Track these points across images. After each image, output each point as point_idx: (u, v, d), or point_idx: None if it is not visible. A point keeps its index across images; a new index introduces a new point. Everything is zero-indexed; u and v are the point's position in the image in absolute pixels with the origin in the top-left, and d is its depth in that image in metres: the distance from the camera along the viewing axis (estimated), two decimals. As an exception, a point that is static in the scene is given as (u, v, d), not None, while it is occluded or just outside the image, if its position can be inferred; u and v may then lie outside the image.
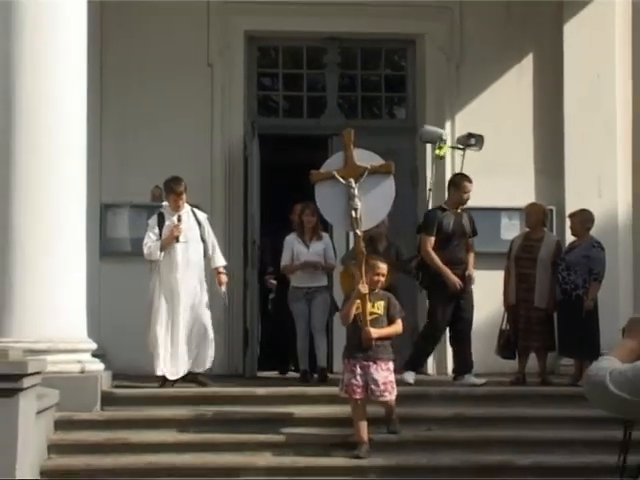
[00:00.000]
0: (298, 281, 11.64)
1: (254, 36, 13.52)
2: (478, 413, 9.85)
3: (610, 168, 12.77)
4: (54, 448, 9.01)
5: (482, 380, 10.86)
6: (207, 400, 10.15)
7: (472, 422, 9.69)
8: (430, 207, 12.01)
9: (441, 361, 13.13)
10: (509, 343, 11.25)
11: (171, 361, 10.36)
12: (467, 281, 11.02)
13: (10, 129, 9.48)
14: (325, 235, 11.68)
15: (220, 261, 10.80)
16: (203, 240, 10.64)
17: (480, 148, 12.56)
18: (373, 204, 9.30)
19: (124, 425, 9.51)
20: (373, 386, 8.81)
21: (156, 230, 10.40)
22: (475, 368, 11.19)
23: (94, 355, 10.00)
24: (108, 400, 9.87)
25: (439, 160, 12.56)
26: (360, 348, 8.90)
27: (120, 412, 9.74)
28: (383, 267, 9.23)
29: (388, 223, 11.10)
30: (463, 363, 11.17)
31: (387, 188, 9.49)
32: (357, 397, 8.84)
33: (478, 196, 12.69)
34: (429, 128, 12.66)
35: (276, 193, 13.32)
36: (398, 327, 9.21)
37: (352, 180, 9.17)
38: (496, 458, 9.16)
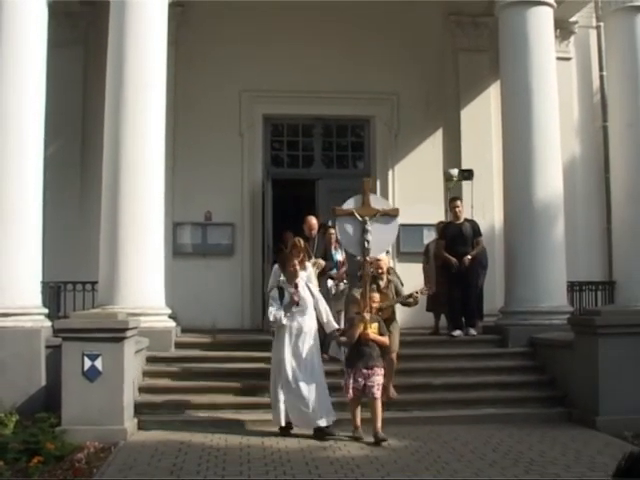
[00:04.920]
0: None
1: (268, 117, 13.51)
2: (409, 352, 9.68)
3: (489, 198, 12.77)
4: (146, 374, 9.17)
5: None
6: (241, 345, 10.16)
7: (404, 358, 9.40)
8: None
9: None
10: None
11: (296, 414, 7.84)
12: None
13: (118, 174, 9.49)
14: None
15: (335, 325, 8.27)
16: (316, 309, 8.09)
17: (471, 179, 12.49)
18: (381, 238, 8.29)
19: (189, 360, 9.56)
20: (370, 387, 7.73)
21: (278, 301, 7.97)
22: (411, 324, 11.12)
23: (170, 317, 10.04)
24: (179, 345, 9.94)
25: (448, 190, 12.59)
26: (360, 360, 7.78)
27: (185, 352, 9.80)
28: (376, 296, 8.30)
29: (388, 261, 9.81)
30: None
31: (393, 227, 8.45)
32: (355, 395, 7.78)
33: (409, 216, 12.83)
34: (448, 169, 12.69)
35: (282, 215, 13.41)
36: (385, 339, 8.03)
37: (367, 218, 8.20)
38: (420, 380, 9.29)
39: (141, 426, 8.17)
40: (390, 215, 8.43)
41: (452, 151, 13.33)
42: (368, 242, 8.21)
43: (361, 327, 7.90)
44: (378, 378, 7.81)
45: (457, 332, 10.70)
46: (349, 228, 8.36)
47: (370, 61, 13.10)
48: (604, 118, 13.34)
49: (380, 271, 8.91)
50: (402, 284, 9.30)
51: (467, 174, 12.60)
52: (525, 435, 8.00)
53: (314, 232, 10.48)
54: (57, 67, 10.42)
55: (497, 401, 9.05)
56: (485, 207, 12.79)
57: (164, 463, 6.80)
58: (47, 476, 6.41)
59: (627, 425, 7.97)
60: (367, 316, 7.93)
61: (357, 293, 8.38)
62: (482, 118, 13.20)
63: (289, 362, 7.85)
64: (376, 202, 8.49)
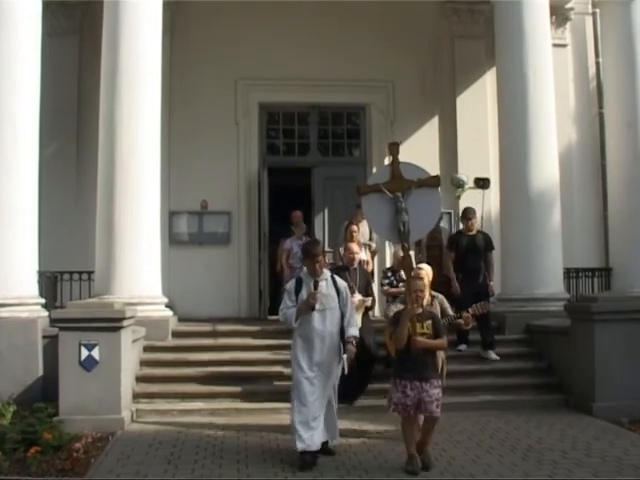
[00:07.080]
0: None
1: (264, 105, 13.44)
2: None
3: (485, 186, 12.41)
4: (143, 363, 9.18)
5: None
6: (234, 333, 10.21)
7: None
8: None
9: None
10: None
11: (313, 433, 6.43)
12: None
13: (114, 164, 9.50)
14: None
15: (354, 332, 6.60)
16: (341, 309, 6.56)
17: (487, 187, 11.59)
18: (421, 217, 6.38)
19: (185, 349, 9.58)
20: (427, 403, 6.15)
21: (293, 297, 6.56)
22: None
23: (166, 306, 10.06)
24: (175, 334, 9.96)
25: (457, 198, 12.07)
26: (412, 370, 6.19)
27: (182, 341, 9.80)
28: (422, 284, 6.60)
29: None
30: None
31: (434, 200, 6.55)
32: (408, 413, 6.22)
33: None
34: (456, 175, 12.01)
35: (278, 203, 13.38)
36: (442, 342, 6.42)
37: (400, 194, 6.32)
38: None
39: (139, 415, 8.16)
40: (429, 185, 6.51)
41: (448, 138, 13.25)
42: (404, 224, 6.36)
43: (410, 325, 6.27)
44: (436, 392, 6.22)
45: (463, 346, 9.90)
46: (378, 209, 6.49)
47: (366, 48, 13.02)
48: (600, 105, 13.30)
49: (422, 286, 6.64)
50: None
51: (483, 183, 11.74)
52: (522, 422, 8.02)
53: (356, 262, 8.85)
54: (53, 56, 10.41)
55: (494, 388, 9.06)
56: (481, 194, 12.73)
57: (161, 452, 6.82)
58: (45, 466, 6.41)
59: (623, 411, 8.00)
60: (418, 309, 6.32)
61: (393, 311, 7.00)
62: (478, 105, 13.14)
63: (306, 372, 6.49)
64: (409, 171, 6.50)
